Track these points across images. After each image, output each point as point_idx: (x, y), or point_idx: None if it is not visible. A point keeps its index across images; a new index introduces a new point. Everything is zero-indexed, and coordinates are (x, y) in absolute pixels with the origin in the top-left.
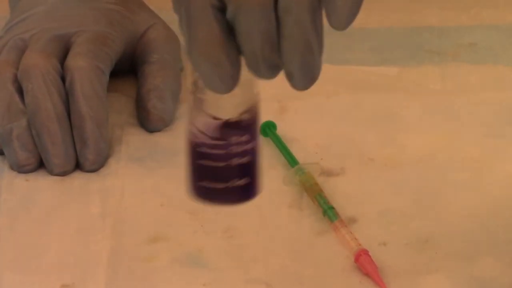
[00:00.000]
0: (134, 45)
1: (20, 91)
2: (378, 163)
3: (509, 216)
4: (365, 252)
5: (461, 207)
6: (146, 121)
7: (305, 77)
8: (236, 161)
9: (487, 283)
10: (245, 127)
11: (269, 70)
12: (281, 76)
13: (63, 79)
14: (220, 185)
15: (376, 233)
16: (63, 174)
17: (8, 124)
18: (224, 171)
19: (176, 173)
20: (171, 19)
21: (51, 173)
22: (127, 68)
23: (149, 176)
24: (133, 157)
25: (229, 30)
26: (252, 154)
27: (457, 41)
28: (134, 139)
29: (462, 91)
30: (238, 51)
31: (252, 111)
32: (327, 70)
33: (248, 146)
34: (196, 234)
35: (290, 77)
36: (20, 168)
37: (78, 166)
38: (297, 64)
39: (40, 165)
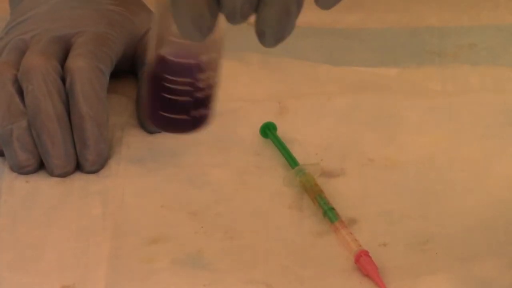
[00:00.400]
0: (134, 46)
1: (21, 92)
2: (378, 164)
3: (509, 217)
4: (365, 253)
5: (461, 208)
6: (147, 122)
7: (275, 37)
8: (199, 95)
9: (487, 284)
10: (210, 65)
11: (244, 20)
12: (282, 77)
13: (63, 80)
14: (182, 116)
15: (377, 234)
16: (64, 175)
17: (8, 125)
18: (187, 104)
19: (177, 174)
20: None
21: (52, 174)
22: (128, 69)
23: (149, 177)
24: (133, 158)
25: None
26: (213, 88)
27: (457, 42)
28: (134, 140)
29: (462, 92)
30: (218, 4)
31: (217, 50)
32: (327, 71)
33: (210, 81)
34: (196, 235)
35: (261, 35)
36: (20, 169)
37: (78, 167)
38: (271, 28)
39: (41, 166)
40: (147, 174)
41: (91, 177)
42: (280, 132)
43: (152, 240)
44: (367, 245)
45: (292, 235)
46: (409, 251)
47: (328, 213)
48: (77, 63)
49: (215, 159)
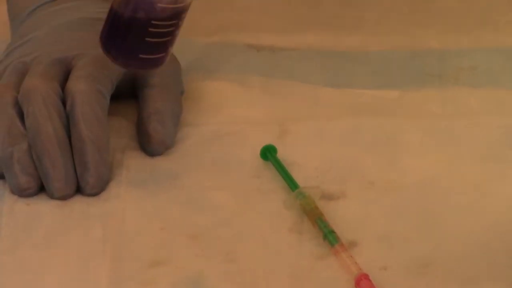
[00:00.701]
0: None
1: (21, 115)
2: (379, 186)
3: (510, 240)
4: (365, 276)
5: (461, 231)
6: (147, 144)
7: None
8: (178, 31)
9: None
10: (186, 10)
11: None
12: (282, 100)
13: (63, 102)
14: (161, 55)
15: (377, 257)
16: (64, 198)
17: (9, 148)
18: (168, 43)
19: (177, 197)
20: None
21: (52, 197)
22: (128, 92)
23: (149, 199)
24: (134, 181)
25: None
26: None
27: (458, 65)
28: (135, 163)
29: (462, 115)
30: None
31: None
32: (328, 94)
33: (181, 25)
34: (196, 258)
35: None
36: (21, 192)
37: (78, 190)
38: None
39: (41, 189)
40: (148, 197)
41: (92, 200)
42: (280, 155)
43: (153, 263)
44: (367, 268)
45: (293, 258)
46: (409, 275)
47: (328, 236)
48: (78, 85)
49: (216, 182)
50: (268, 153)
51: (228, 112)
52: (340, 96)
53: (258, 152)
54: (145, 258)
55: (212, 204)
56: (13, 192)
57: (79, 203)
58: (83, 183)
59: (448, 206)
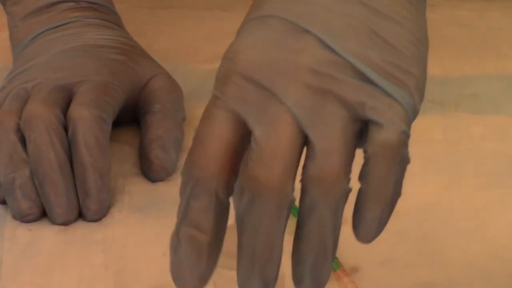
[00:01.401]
0: (136, 95)
1: (23, 141)
2: None
3: None
4: None
5: (464, 256)
6: (149, 171)
7: (314, 282)
8: None
9: None
10: None
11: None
12: None
13: (65, 129)
14: None
15: (379, 282)
16: (66, 223)
17: (10, 174)
18: None
19: None
20: (174, 69)
21: (54, 222)
22: (130, 118)
23: (151, 225)
24: (135, 207)
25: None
26: None
27: (459, 91)
28: (136, 189)
29: (464, 141)
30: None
31: None
32: None
33: None
34: None
35: (298, 282)
36: (22, 218)
37: (80, 215)
38: (308, 266)
39: (43, 214)
40: (149, 222)
41: (93, 225)
42: None
43: None
44: None
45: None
46: None
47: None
48: (79, 112)
49: None
50: None
51: None
52: None
53: None
54: (147, 284)
55: None
56: (15, 217)
57: (81, 229)
58: (85, 209)
59: (450, 232)
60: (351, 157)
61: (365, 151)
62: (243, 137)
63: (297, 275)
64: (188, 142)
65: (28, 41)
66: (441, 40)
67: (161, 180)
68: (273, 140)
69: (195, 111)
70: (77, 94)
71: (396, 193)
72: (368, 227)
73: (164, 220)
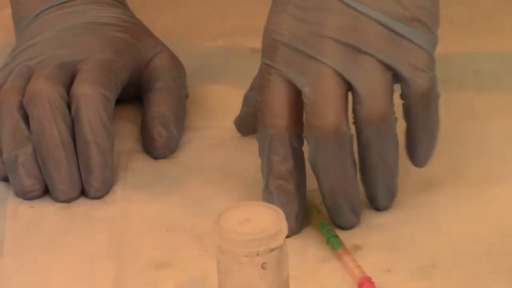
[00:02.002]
0: (139, 72)
1: (26, 118)
2: None
3: None
4: (367, 279)
5: (466, 234)
6: (151, 148)
7: (386, 198)
8: None
9: None
10: None
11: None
12: None
13: (68, 106)
14: None
15: (380, 260)
16: (68, 200)
17: (13, 151)
18: None
19: (181, 200)
20: (177, 47)
21: (56, 199)
22: (133, 96)
23: (154, 202)
24: (138, 184)
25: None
26: None
27: (462, 69)
28: (139, 166)
29: (467, 119)
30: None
31: None
32: None
33: None
34: (201, 259)
35: (372, 199)
36: (25, 195)
37: (83, 193)
38: (379, 188)
39: (45, 191)
40: (152, 199)
41: (96, 202)
42: None
43: (157, 265)
44: (371, 272)
45: (296, 262)
46: (413, 278)
47: (331, 240)
48: (83, 89)
49: (219, 185)
50: None
51: (232, 116)
52: None
53: None
54: (149, 259)
55: (216, 207)
56: (17, 194)
57: (83, 206)
58: (88, 186)
59: (452, 209)
60: (391, 94)
61: (402, 99)
62: (298, 96)
63: (370, 196)
64: (191, 119)
65: (31, 19)
66: (444, 18)
67: (164, 157)
68: (320, 92)
69: (198, 88)
70: (80, 71)
71: (436, 125)
72: (422, 157)
73: (167, 197)
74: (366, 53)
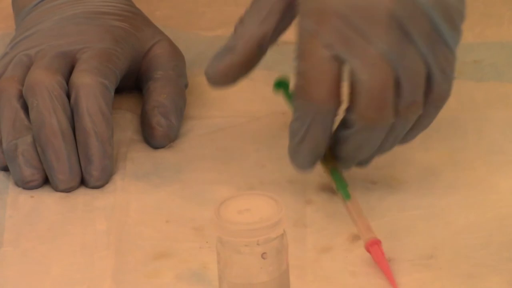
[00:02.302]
0: (139, 61)
1: (25, 108)
2: (381, 184)
3: None
4: (376, 242)
5: (465, 223)
6: (151, 137)
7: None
8: None
9: None
10: None
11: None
12: None
13: (68, 95)
14: None
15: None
16: (68, 190)
17: (13, 140)
18: None
19: (181, 190)
20: (176, 36)
21: (56, 189)
22: (132, 85)
23: (154, 192)
24: (138, 174)
25: None
26: None
27: (462, 59)
28: (139, 156)
29: (466, 109)
30: None
31: None
32: None
33: None
34: (201, 251)
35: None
36: (25, 184)
37: (83, 182)
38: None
39: (45, 181)
40: (152, 189)
41: (96, 192)
42: (284, 144)
43: (157, 255)
44: (370, 261)
45: (296, 251)
46: (413, 267)
47: (341, 190)
48: (82, 79)
49: (219, 175)
50: (281, 85)
51: (232, 105)
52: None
53: (262, 145)
54: (149, 250)
55: (216, 197)
56: (17, 184)
57: (83, 196)
58: (87, 175)
59: (452, 199)
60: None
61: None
62: (341, 69)
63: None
64: (190, 108)
65: (30, 8)
66: None
67: (163, 146)
68: (378, 83)
69: (197, 77)
70: (79, 61)
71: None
72: (409, 139)
73: (166, 187)
74: (413, 46)
